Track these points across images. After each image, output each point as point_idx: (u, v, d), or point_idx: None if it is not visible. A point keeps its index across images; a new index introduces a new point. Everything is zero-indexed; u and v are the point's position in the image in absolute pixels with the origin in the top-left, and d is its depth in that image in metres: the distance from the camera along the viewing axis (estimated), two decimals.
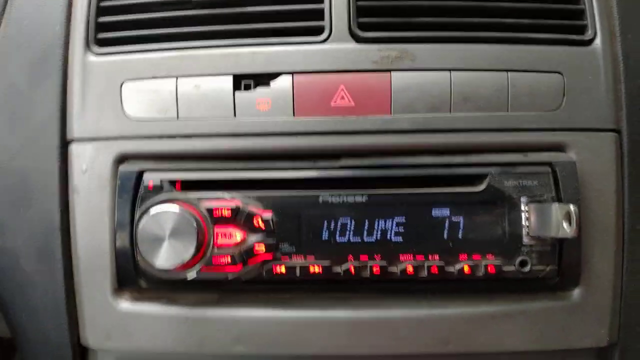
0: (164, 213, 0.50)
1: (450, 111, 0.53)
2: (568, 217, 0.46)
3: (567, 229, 0.46)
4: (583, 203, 0.52)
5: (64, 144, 0.56)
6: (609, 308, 0.54)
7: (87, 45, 0.56)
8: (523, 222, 0.51)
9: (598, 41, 0.55)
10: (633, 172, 0.54)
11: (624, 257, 0.54)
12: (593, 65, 0.55)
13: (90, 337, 0.56)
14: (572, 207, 0.46)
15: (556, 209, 0.47)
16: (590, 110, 0.54)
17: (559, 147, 0.54)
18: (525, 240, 0.51)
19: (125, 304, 0.55)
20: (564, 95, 0.54)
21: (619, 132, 0.55)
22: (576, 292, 0.54)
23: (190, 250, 0.50)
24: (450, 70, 0.53)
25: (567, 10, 0.56)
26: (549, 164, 0.52)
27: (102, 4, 0.57)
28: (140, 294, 0.56)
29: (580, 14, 0.56)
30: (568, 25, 0.56)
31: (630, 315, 0.54)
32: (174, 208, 0.50)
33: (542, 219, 0.49)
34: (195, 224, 0.50)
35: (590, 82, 0.54)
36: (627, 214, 0.54)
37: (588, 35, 0.55)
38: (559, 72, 0.54)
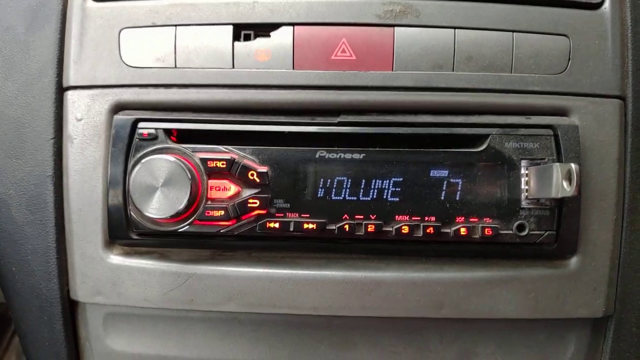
0: (157, 162, 0.50)
1: (453, 70, 0.53)
2: (569, 176, 0.45)
3: (567, 188, 0.45)
4: (583, 169, 0.52)
5: (60, 91, 0.56)
6: (605, 278, 0.53)
7: None
8: (522, 185, 0.51)
9: (607, 5, 0.54)
10: (636, 141, 0.54)
11: (623, 227, 0.53)
12: (600, 29, 0.54)
13: (80, 290, 0.56)
14: (573, 165, 0.45)
15: (557, 168, 0.46)
16: (595, 76, 0.53)
17: (561, 111, 0.53)
18: (524, 203, 0.51)
19: (116, 258, 0.55)
20: (569, 59, 0.53)
21: (623, 99, 0.54)
22: (573, 261, 0.53)
23: (183, 201, 0.50)
24: (454, 28, 0.53)
25: None
26: (551, 127, 0.52)
27: None
28: (132, 248, 0.56)
29: None
30: None
31: (627, 287, 0.54)
32: (168, 157, 0.50)
33: (543, 180, 0.48)
34: (189, 175, 0.49)
35: (596, 46, 0.53)
36: (628, 183, 0.53)
37: None
38: (565, 35, 0.53)
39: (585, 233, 0.53)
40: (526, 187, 0.50)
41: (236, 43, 0.53)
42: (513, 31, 0.53)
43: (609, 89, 0.53)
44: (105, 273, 0.55)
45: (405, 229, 0.51)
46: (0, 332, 1.51)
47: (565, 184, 0.45)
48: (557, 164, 0.47)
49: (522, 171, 0.51)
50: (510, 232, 0.51)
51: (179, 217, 0.51)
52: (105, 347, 0.59)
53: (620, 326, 0.55)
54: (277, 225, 0.52)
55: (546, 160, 0.50)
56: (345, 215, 0.52)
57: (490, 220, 0.51)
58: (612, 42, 0.54)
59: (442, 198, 0.51)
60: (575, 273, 0.53)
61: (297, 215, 0.52)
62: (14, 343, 1.52)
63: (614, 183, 0.53)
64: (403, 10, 0.53)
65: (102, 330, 0.59)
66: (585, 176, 0.52)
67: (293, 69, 0.53)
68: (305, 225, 0.52)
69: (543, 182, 0.48)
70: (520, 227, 0.50)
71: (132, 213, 0.52)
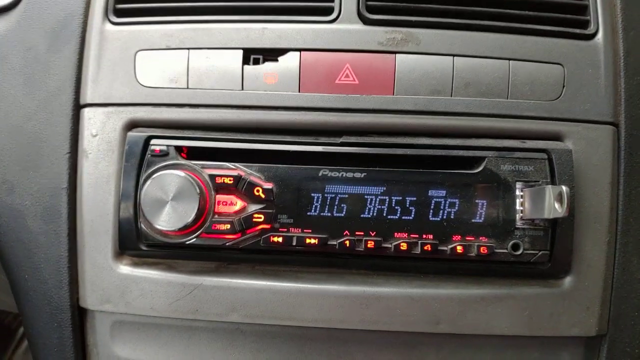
0: (168, 176, 0.52)
1: (451, 95, 0.55)
2: (560, 197, 0.47)
3: (558, 209, 0.46)
4: (577, 192, 0.53)
5: (77, 108, 0.59)
6: (599, 298, 0.54)
7: (106, 14, 0.59)
8: (517, 206, 0.52)
9: (600, 36, 0.56)
10: (629, 166, 0.55)
11: (616, 249, 0.54)
12: (594, 59, 0.56)
13: (89, 298, 0.58)
14: (564, 187, 0.46)
15: (549, 190, 0.48)
16: (589, 103, 0.55)
17: (556, 136, 0.55)
18: (519, 223, 0.52)
19: (125, 268, 0.57)
20: (563, 86, 0.55)
21: (616, 126, 0.55)
22: (567, 280, 0.55)
23: (192, 214, 0.51)
24: (453, 55, 0.55)
25: (571, 4, 0.57)
26: (545, 151, 0.53)
27: None
28: (141, 259, 0.58)
29: (584, 9, 0.57)
30: (571, 19, 0.57)
31: (620, 307, 0.55)
32: (178, 172, 0.52)
33: (536, 202, 0.50)
34: (197, 190, 0.51)
35: (590, 75, 0.55)
36: (621, 206, 0.55)
37: (590, 29, 0.56)
38: (559, 64, 0.55)
39: (579, 253, 0.54)
40: (521, 208, 0.52)
41: (245, 66, 0.56)
42: (510, 59, 0.55)
43: (602, 116, 0.55)
44: (114, 282, 0.57)
45: (404, 246, 0.52)
46: (4, 344, 1.56)
47: (557, 205, 0.47)
48: (550, 186, 0.49)
49: (517, 193, 0.52)
50: (505, 251, 0.52)
51: (187, 229, 0.53)
52: (112, 354, 0.60)
53: (613, 346, 0.56)
54: (280, 239, 0.53)
55: (540, 182, 0.52)
56: (346, 232, 0.53)
57: (486, 239, 0.52)
58: (605, 71, 0.56)
59: (440, 217, 0.52)
60: (569, 292, 0.54)
61: (299, 230, 0.53)
62: (18, 353, 1.55)
63: (607, 205, 0.54)
64: (404, 39, 0.55)
65: (110, 337, 0.60)
66: (579, 198, 0.53)
67: (299, 91, 0.55)
68: (308, 240, 0.53)
69: (536, 203, 0.50)
70: (515, 247, 0.52)
71: (142, 225, 0.54)
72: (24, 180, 0.59)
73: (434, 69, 0.55)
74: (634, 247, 0.55)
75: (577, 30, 0.56)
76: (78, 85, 0.59)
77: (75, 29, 0.59)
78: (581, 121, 0.55)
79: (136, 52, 0.57)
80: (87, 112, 0.58)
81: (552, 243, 0.53)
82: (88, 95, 0.58)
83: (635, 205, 0.55)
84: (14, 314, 1.64)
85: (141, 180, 0.54)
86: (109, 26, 0.58)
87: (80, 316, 0.60)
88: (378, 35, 0.55)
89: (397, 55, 0.55)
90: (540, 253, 0.52)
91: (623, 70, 0.56)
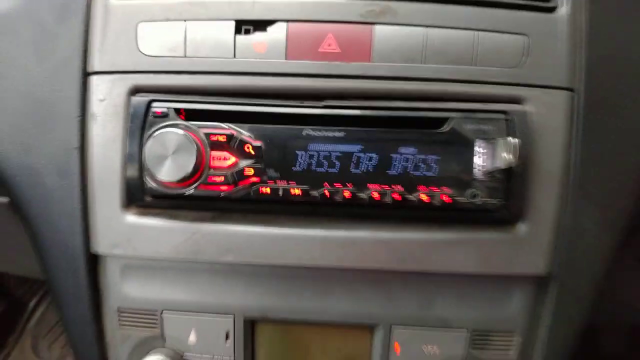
0: (168, 134, 0.57)
1: (423, 62, 0.59)
2: (509, 148, 0.53)
3: (508, 158, 0.53)
4: (534, 149, 0.59)
5: (85, 75, 0.62)
6: (549, 243, 0.60)
7: None
8: (476, 160, 0.57)
9: (563, 9, 0.60)
10: (584, 128, 0.60)
11: (568, 200, 0.60)
12: (556, 30, 0.60)
13: (100, 245, 0.63)
14: (511, 139, 0.52)
15: (501, 142, 0.54)
16: (549, 70, 0.60)
17: (517, 100, 0.59)
18: (478, 175, 0.58)
19: (132, 218, 0.62)
20: (527, 55, 0.60)
21: (574, 91, 0.60)
22: (521, 226, 0.60)
23: (190, 167, 0.57)
24: (427, 26, 0.59)
25: None
26: (505, 112, 0.58)
27: None
28: (145, 210, 0.63)
29: None
30: None
31: (569, 252, 0.61)
32: (177, 130, 0.58)
33: (492, 155, 0.56)
34: (194, 146, 0.57)
35: (551, 45, 0.60)
36: (575, 165, 0.60)
37: (553, 2, 0.61)
38: (524, 34, 0.60)
39: (532, 202, 0.59)
40: (480, 162, 0.57)
41: (237, 36, 0.60)
42: (477, 30, 0.60)
43: (561, 82, 0.60)
44: (122, 230, 0.62)
45: (376, 196, 0.58)
46: (16, 317, 1.63)
47: (506, 155, 0.53)
48: (501, 139, 0.55)
49: (477, 149, 0.58)
50: (465, 200, 0.58)
51: (186, 182, 0.59)
52: (122, 293, 0.67)
53: (562, 286, 0.62)
54: (268, 190, 0.59)
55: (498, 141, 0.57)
56: (326, 184, 0.59)
57: (449, 190, 0.58)
58: (567, 42, 0.60)
59: (409, 170, 0.58)
60: (522, 237, 0.60)
61: (285, 182, 0.59)
62: (29, 328, 1.62)
63: (561, 162, 0.60)
64: (382, 11, 0.60)
65: (120, 279, 0.67)
66: (535, 155, 0.59)
67: (286, 59, 0.60)
68: (292, 191, 0.59)
69: (492, 156, 0.56)
70: (474, 196, 0.58)
71: (146, 178, 0.60)
72: (39, 142, 0.63)
73: (409, 39, 0.59)
74: (584, 200, 0.60)
75: (541, 4, 0.60)
76: (85, 54, 0.62)
77: (81, 2, 0.63)
78: (540, 86, 0.59)
79: (137, 24, 0.61)
80: (94, 80, 0.62)
81: (507, 193, 0.58)
82: (95, 64, 0.62)
83: (588, 162, 0.60)
84: (26, 287, 1.64)
85: (144, 139, 0.59)
86: (112, 0, 0.63)
87: (92, 261, 0.66)
88: (359, 7, 0.60)
89: (375, 26, 0.59)
90: (496, 201, 0.58)
91: (585, 41, 0.60)
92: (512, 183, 0.58)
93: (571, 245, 0.61)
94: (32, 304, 1.63)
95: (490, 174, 0.57)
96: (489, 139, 0.57)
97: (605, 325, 1.27)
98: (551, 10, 0.61)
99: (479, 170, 0.58)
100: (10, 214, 0.74)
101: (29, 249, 0.73)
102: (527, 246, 0.60)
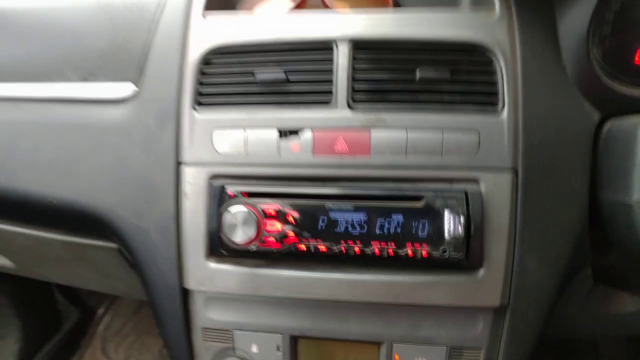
0: (238, 211, 0.73)
1: (405, 155, 0.73)
2: (461, 222, 0.70)
3: (460, 230, 0.70)
4: (486, 217, 0.71)
5: (178, 165, 0.76)
6: (502, 282, 0.72)
7: (193, 107, 0.77)
8: (445, 226, 0.71)
9: (505, 111, 0.72)
10: (524, 197, 0.71)
11: (515, 252, 0.72)
12: (501, 126, 0.71)
13: (190, 283, 0.78)
14: (462, 218, 0.69)
15: (457, 218, 0.73)
16: (496, 157, 0.71)
17: (474, 181, 0.72)
18: (446, 237, 0.71)
19: (212, 264, 0.76)
20: (479, 146, 0.72)
21: (516, 172, 0.71)
22: (480, 271, 0.73)
23: (252, 233, 0.72)
24: (407, 128, 0.73)
25: (487, 92, 0.74)
26: (464, 191, 0.72)
27: (201, 79, 0.77)
28: (222, 259, 0.76)
29: (495, 94, 0.74)
30: (486, 101, 0.73)
31: (517, 288, 0.73)
32: (243, 208, 0.73)
33: (454, 224, 0.71)
34: (255, 218, 0.72)
35: (498, 137, 0.71)
36: (518, 226, 0.72)
37: (500, 107, 0.73)
38: (477, 131, 0.72)
39: (488, 254, 0.72)
40: (448, 227, 0.71)
41: (280, 139, 0.74)
42: (443, 129, 0.72)
43: (505, 164, 0.71)
44: (205, 273, 0.76)
45: (376, 251, 0.73)
46: (87, 323, 1.83)
47: (460, 228, 0.72)
48: (458, 216, 0.70)
49: (445, 217, 0.71)
50: (438, 254, 0.71)
51: (249, 242, 0.73)
52: (205, 317, 0.82)
53: (514, 313, 0.74)
54: (303, 247, 0.73)
55: (460, 212, 0.71)
56: (342, 241, 0.73)
57: (427, 247, 0.72)
58: (508, 134, 0.71)
59: (398, 232, 0.72)
60: (482, 279, 0.73)
61: (314, 241, 0.73)
62: (99, 332, 1.80)
63: (507, 225, 0.71)
64: (376, 120, 0.74)
65: (203, 306, 0.82)
66: (488, 221, 0.72)
67: (313, 155, 0.74)
68: (319, 247, 0.73)
69: (454, 225, 0.74)
70: (444, 251, 0.71)
71: (222, 239, 0.74)
72: (147, 211, 0.78)
73: (395, 139, 0.73)
74: (527, 249, 0.73)
75: (490, 108, 0.73)
76: (177, 150, 0.76)
77: (173, 114, 0.76)
78: (490, 169, 0.72)
79: (213, 130, 0.76)
80: (185, 168, 0.76)
81: (468, 248, 0.71)
82: (185, 157, 0.76)
83: (528, 222, 0.72)
84: (95, 298, 1.82)
85: (222, 212, 0.73)
86: (195, 114, 0.76)
87: (185, 294, 0.79)
88: (359, 117, 0.74)
89: (371, 130, 0.73)
90: (460, 255, 0.71)
91: (521, 133, 0.71)
92: (472, 241, 0.71)
93: (519, 283, 0.72)
94: (100, 311, 1.82)
95: (455, 235, 0.71)
96: (454, 211, 0.71)
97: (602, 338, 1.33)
98: (499, 112, 0.73)
99: (447, 233, 0.71)
100: (117, 257, 0.90)
101: (123, 276, 0.91)
102: (486, 285, 0.73)
